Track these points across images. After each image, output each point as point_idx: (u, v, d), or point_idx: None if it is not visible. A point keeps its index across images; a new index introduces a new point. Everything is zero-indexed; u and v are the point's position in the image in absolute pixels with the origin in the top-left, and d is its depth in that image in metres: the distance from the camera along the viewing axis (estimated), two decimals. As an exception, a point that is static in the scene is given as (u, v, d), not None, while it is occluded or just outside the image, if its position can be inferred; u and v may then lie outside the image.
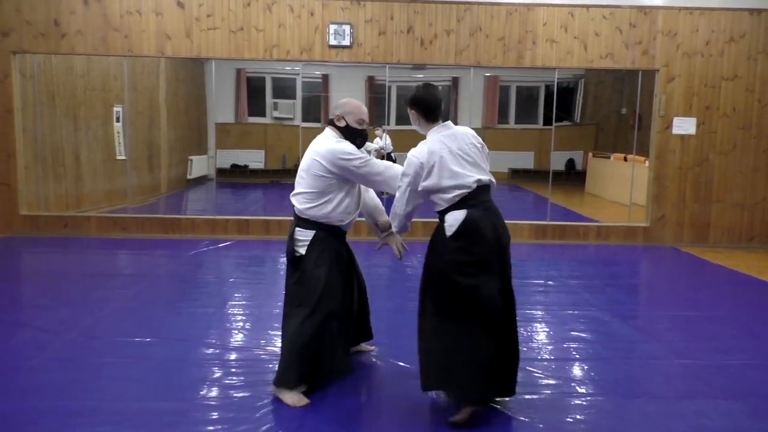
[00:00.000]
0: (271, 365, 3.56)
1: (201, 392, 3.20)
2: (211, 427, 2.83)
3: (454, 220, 2.92)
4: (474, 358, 2.89)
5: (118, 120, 8.34)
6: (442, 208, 2.99)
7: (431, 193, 3.00)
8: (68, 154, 8.11)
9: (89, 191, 8.37)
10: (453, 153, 2.96)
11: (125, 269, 6.25)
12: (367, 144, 10.27)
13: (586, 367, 3.69)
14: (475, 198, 2.93)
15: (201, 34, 7.21)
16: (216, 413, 2.97)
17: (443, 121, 3.11)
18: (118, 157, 8.36)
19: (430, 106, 3.07)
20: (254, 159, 12.73)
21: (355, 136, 3.35)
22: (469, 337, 2.89)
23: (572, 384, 3.44)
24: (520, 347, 3.12)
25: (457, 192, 2.92)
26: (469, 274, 2.89)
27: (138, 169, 9.10)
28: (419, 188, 2.99)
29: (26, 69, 7.39)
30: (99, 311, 4.50)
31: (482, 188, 2.97)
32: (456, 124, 3.26)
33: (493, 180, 3.05)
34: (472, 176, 2.93)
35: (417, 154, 3.00)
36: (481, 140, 3.11)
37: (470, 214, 2.90)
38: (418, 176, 2.98)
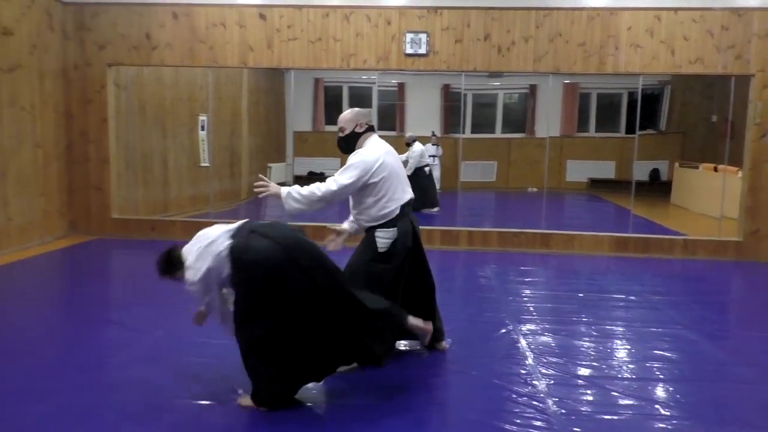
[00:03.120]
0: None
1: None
2: (286, 428, 2.87)
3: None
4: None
5: (202, 128, 8.70)
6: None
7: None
8: (156, 161, 8.54)
9: (175, 196, 8.77)
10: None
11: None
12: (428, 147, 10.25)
13: (670, 389, 3.49)
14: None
15: (281, 45, 7.41)
16: (289, 414, 3.02)
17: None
18: (202, 164, 8.72)
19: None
20: (330, 167, 12.94)
21: None
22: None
23: (655, 406, 3.26)
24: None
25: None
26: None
27: (220, 176, 9.46)
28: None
29: (120, 80, 7.84)
30: (182, 311, 4.67)
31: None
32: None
33: None
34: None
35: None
36: None
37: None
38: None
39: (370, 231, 3.54)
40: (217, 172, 9.17)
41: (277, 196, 3.33)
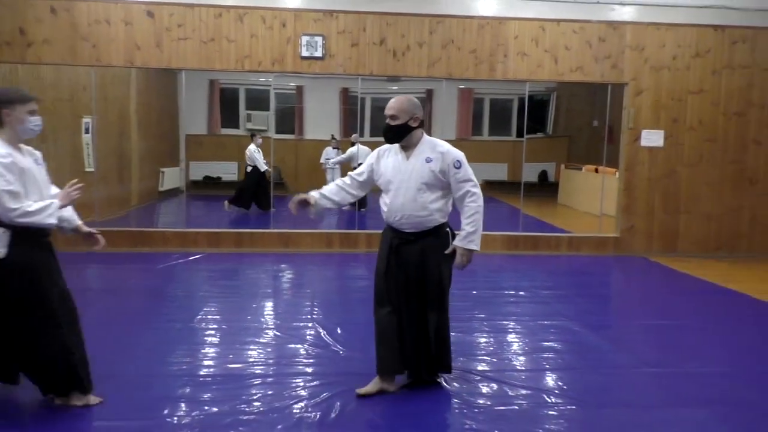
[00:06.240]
0: (247, 380, 3.49)
1: (166, 410, 3.11)
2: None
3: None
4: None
5: (87, 131, 8.18)
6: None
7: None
8: (34, 166, 7.92)
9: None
10: None
11: (93, 284, 6.10)
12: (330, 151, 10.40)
13: (557, 378, 3.70)
14: None
15: (171, 45, 7.13)
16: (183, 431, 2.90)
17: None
18: (87, 169, 8.20)
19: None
20: (227, 171, 12.60)
21: None
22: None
23: (543, 394, 3.44)
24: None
25: None
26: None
27: (107, 182, 8.93)
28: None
29: (-9, 79, 7.22)
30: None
31: None
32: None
33: None
34: None
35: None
36: None
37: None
38: None
39: (438, 230, 3.28)
40: (104, 177, 8.66)
41: (469, 253, 3.24)
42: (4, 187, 2.76)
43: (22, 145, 3.01)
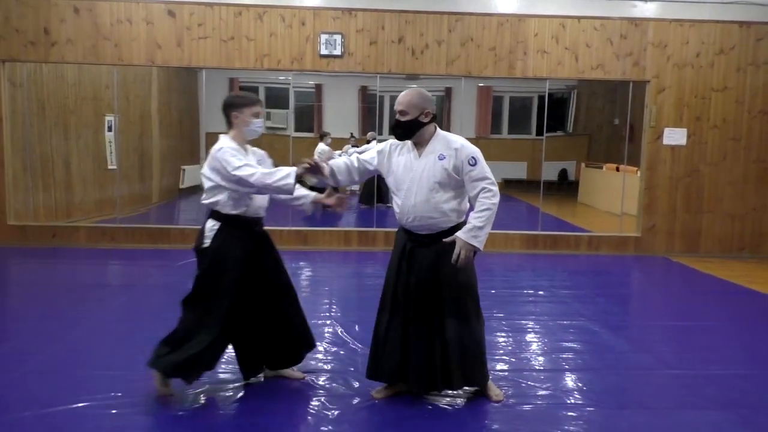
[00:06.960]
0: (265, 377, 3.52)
1: (184, 405, 3.14)
2: None
3: None
4: None
5: (109, 129, 8.30)
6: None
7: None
8: (58, 164, 8.05)
9: (79, 201, 8.31)
10: None
11: (113, 280, 6.19)
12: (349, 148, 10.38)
13: (576, 378, 3.66)
14: None
15: (192, 43, 7.19)
16: (200, 427, 2.93)
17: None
18: (109, 167, 8.31)
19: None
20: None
21: None
22: None
23: (562, 395, 3.41)
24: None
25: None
26: None
27: (129, 179, 9.05)
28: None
29: (15, 77, 7.35)
30: (86, 322, 4.44)
31: None
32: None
33: None
34: None
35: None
36: None
37: None
38: None
39: (454, 231, 3.04)
40: (126, 174, 8.78)
41: (471, 249, 2.96)
42: (238, 163, 2.98)
43: (247, 146, 3.20)
